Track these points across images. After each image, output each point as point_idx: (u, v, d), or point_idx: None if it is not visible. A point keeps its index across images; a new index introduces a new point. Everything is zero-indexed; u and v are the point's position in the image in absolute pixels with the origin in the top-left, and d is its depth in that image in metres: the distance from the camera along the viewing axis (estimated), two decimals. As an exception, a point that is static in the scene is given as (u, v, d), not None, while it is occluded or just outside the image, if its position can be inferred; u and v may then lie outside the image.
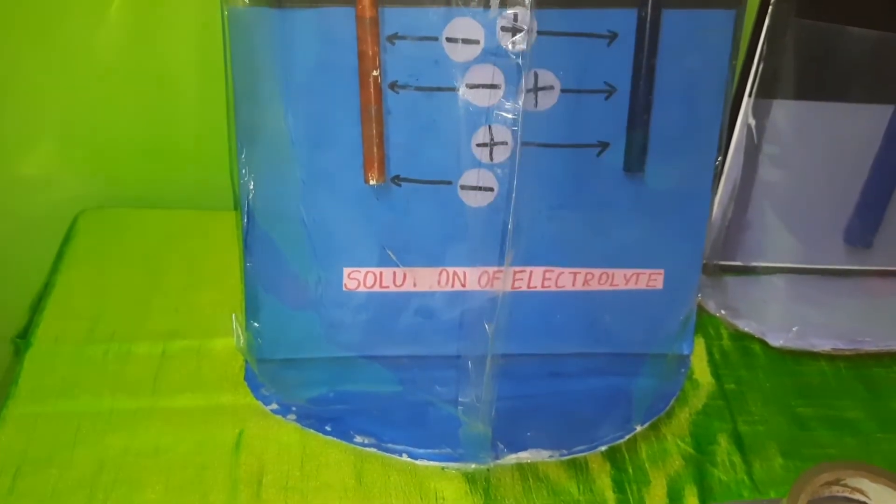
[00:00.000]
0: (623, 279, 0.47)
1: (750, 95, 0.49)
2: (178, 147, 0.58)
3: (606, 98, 0.43)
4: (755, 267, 0.55)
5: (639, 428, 0.46)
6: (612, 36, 0.41)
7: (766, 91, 0.48)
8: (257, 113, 0.42)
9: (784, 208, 0.53)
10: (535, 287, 0.47)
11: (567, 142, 0.43)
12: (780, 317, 0.52)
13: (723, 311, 0.53)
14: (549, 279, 0.47)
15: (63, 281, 0.52)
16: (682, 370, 0.50)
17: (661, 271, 0.47)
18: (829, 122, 0.50)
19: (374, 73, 0.41)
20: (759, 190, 0.52)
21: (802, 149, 0.51)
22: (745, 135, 0.50)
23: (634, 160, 0.44)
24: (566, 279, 0.47)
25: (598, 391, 0.47)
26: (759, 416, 0.48)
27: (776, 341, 0.51)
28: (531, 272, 0.46)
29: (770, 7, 0.46)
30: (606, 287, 0.47)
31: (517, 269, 0.46)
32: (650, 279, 0.47)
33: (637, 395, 0.47)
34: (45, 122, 0.57)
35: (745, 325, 0.52)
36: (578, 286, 0.47)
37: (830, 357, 0.51)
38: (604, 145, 0.44)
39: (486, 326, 0.43)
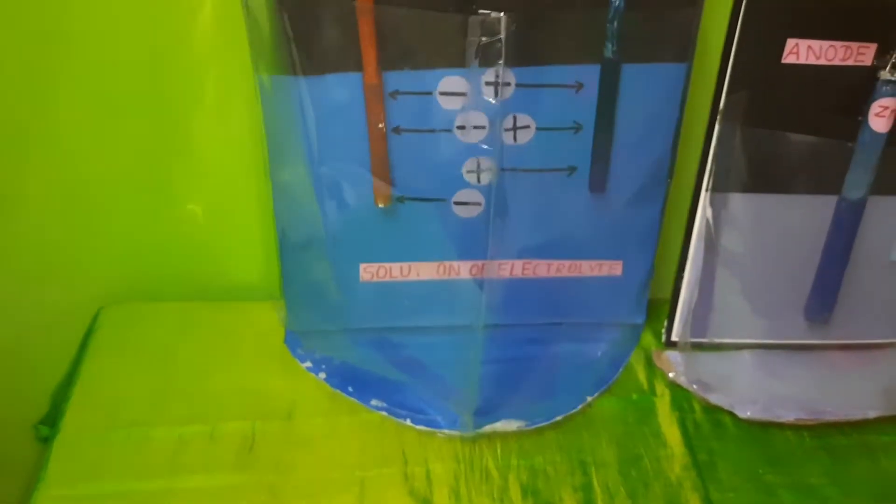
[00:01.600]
0: (588, 268, 0.56)
1: (707, 190, 0.53)
2: (194, 243, 0.61)
3: (574, 133, 0.51)
4: (723, 343, 0.58)
5: (589, 399, 0.55)
6: (579, 86, 0.50)
7: (721, 185, 0.53)
8: (287, 158, 0.51)
9: (746, 289, 0.56)
10: (517, 275, 0.56)
11: (541, 167, 0.52)
12: (747, 390, 0.55)
13: (695, 386, 0.56)
14: (528, 269, 0.56)
15: (86, 372, 0.55)
16: (634, 340, 0.59)
17: (620, 262, 0.56)
18: (781, 210, 0.53)
19: (380, 125, 0.49)
20: (722, 274, 0.56)
21: (758, 235, 0.54)
22: (705, 225, 0.55)
23: (598, 182, 0.53)
24: (542, 269, 0.56)
25: (565, 356, 0.57)
26: (730, 484, 0.51)
27: (744, 413, 0.54)
28: (513, 264, 0.55)
29: (719, 116, 0.51)
30: (575, 274, 0.56)
31: (502, 262, 0.55)
32: (611, 268, 0.56)
33: (596, 361, 0.57)
34: (68, 222, 0.60)
35: (715, 399, 0.55)
36: (552, 274, 0.56)
37: (795, 427, 0.54)
38: (572, 169, 0.52)
39: (476, 304, 0.54)
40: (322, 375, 0.56)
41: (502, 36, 0.46)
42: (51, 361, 0.60)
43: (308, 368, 0.56)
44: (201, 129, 0.57)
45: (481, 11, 0.46)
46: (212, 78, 0.55)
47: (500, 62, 0.47)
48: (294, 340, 0.58)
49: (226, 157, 0.57)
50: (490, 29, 0.46)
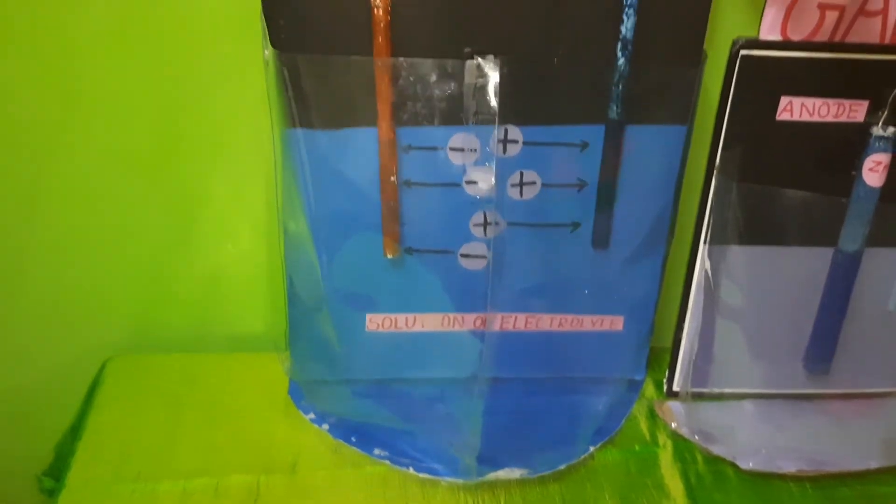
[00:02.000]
0: (590, 323, 0.57)
1: (705, 242, 0.54)
2: (199, 294, 0.62)
3: (578, 190, 0.53)
4: (724, 393, 0.59)
5: (592, 448, 0.55)
6: (584, 145, 0.51)
7: (719, 238, 0.54)
8: (299, 210, 0.52)
9: (746, 340, 0.57)
10: (520, 328, 0.57)
11: (546, 222, 0.53)
12: (749, 441, 0.56)
13: (697, 437, 0.56)
14: (531, 322, 0.57)
15: (92, 424, 0.55)
16: (634, 394, 0.59)
17: (622, 317, 0.57)
18: (778, 262, 0.54)
19: (392, 177, 0.51)
20: (722, 324, 0.56)
21: (757, 286, 0.55)
22: (704, 277, 0.55)
23: (601, 239, 0.54)
24: (545, 322, 0.57)
25: (567, 408, 0.58)
26: (733, 535, 0.51)
27: (746, 464, 0.54)
28: (516, 317, 0.56)
29: (715, 171, 0.52)
30: (577, 329, 0.57)
31: (506, 314, 0.56)
32: (612, 323, 0.57)
33: (598, 413, 0.57)
34: (75, 274, 0.61)
35: (717, 450, 0.55)
36: (554, 328, 0.57)
37: (797, 478, 0.54)
38: (576, 225, 0.54)
39: (479, 356, 0.55)
40: (325, 427, 0.56)
41: (496, 79, 0.48)
42: (56, 412, 0.60)
43: (312, 420, 0.57)
44: (212, 184, 0.58)
45: (476, 56, 0.48)
46: (226, 133, 0.56)
47: (495, 105, 0.48)
48: (298, 391, 0.58)
49: (235, 211, 0.59)
50: (484, 71, 0.48)
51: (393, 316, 0.56)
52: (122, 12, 0.51)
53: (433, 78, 0.48)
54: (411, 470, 0.53)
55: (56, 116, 0.55)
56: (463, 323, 0.56)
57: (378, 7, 0.46)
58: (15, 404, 0.64)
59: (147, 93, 0.54)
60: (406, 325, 0.56)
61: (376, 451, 0.54)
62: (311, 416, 0.57)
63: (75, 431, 0.55)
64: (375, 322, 0.56)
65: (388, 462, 0.54)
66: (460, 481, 0.53)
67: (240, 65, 0.53)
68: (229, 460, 0.53)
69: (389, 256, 0.53)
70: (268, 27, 0.47)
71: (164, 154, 0.56)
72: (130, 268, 0.61)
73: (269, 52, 0.48)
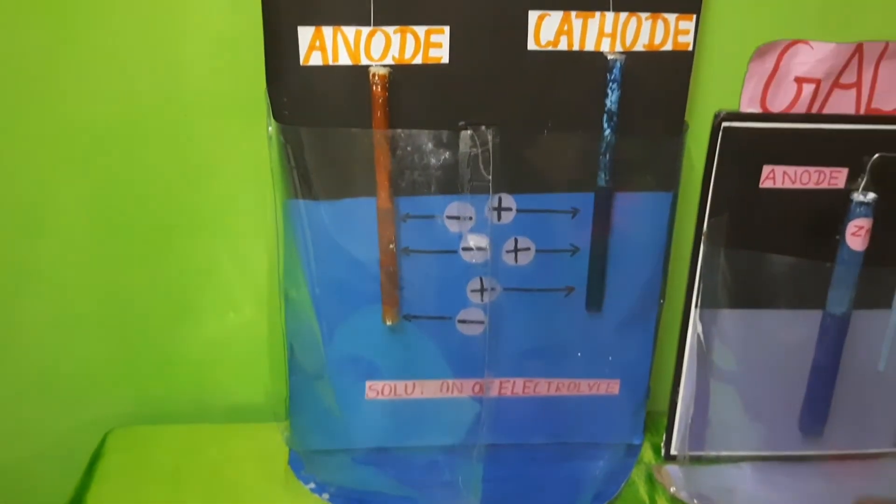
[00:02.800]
0: (587, 387, 0.58)
1: (696, 306, 0.56)
2: (200, 365, 0.63)
3: (571, 255, 0.54)
4: (721, 456, 0.59)
5: None
6: (575, 211, 0.53)
7: (710, 302, 0.55)
8: (300, 279, 0.53)
9: (741, 402, 0.58)
10: (518, 394, 0.57)
11: (541, 286, 0.55)
12: (746, 503, 0.57)
13: (695, 501, 0.56)
14: (529, 387, 0.57)
15: (93, 498, 0.55)
16: (633, 458, 0.60)
17: (618, 380, 0.58)
18: (768, 325, 0.56)
19: (391, 245, 0.52)
20: (716, 387, 0.57)
21: (749, 349, 0.57)
22: (696, 340, 0.57)
23: (594, 301, 0.55)
24: (542, 387, 0.57)
25: (566, 474, 0.58)
26: None
27: None
28: (514, 382, 0.57)
29: (703, 238, 0.54)
30: (574, 393, 0.58)
31: (504, 380, 0.57)
32: (608, 387, 0.58)
33: (596, 478, 0.57)
34: (74, 346, 0.61)
35: (716, 513, 0.56)
36: (552, 392, 0.57)
37: None
38: (570, 289, 0.55)
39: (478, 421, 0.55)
40: (326, 496, 0.56)
41: (490, 146, 0.50)
42: (57, 485, 0.59)
43: (312, 489, 0.57)
44: (215, 255, 0.59)
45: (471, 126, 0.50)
46: (230, 204, 0.58)
47: (489, 173, 0.51)
48: (298, 461, 0.58)
49: (238, 281, 0.60)
50: (478, 141, 0.50)
51: (392, 383, 0.57)
52: (130, 88, 0.53)
53: (429, 148, 0.50)
54: None
55: (60, 188, 0.56)
56: (462, 389, 0.57)
57: (377, 84, 0.49)
58: (15, 478, 0.64)
59: (153, 167, 0.56)
60: (405, 391, 0.57)
61: None
62: (312, 485, 0.57)
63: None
64: (375, 389, 0.56)
65: (389, 530, 0.54)
66: (461, 547, 0.53)
67: (243, 139, 0.55)
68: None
69: (389, 324, 0.54)
70: (271, 103, 0.49)
71: (168, 226, 0.58)
72: (132, 339, 0.61)
73: (272, 126, 0.50)
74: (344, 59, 0.49)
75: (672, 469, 0.59)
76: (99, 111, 0.54)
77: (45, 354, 0.61)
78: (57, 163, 0.55)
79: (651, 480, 0.59)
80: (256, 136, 0.52)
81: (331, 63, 0.49)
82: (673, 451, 0.60)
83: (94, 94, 0.53)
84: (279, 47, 0.48)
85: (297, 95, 0.49)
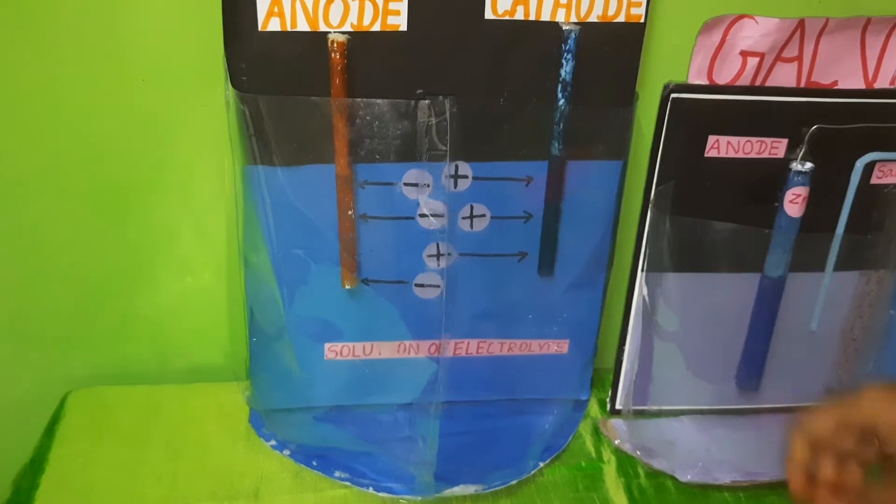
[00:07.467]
0: (538, 347, 0.60)
1: (643, 270, 0.58)
2: (161, 327, 0.63)
3: (525, 222, 0.56)
4: (663, 410, 0.62)
5: (541, 465, 0.58)
6: (529, 179, 0.55)
7: (655, 266, 0.58)
8: (259, 243, 0.54)
9: (683, 360, 0.60)
10: (472, 354, 0.60)
11: (495, 252, 0.56)
12: (687, 455, 0.59)
13: (639, 452, 0.60)
14: (482, 348, 0.60)
15: (55, 458, 0.56)
16: (580, 413, 0.63)
17: (567, 341, 0.61)
18: (709, 287, 0.58)
19: (349, 211, 0.53)
20: (660, 346, 0.60)
21: (690, 310, 0.59)
22: (642, 302, 0.59)
23: (546, 266, 0.57)
24: (495, 347, 0.60)
25: (517, 428, 0.61)
26: (673, 543, 0.55)
27: (684, 477, 0.57)
28: (469, 343, 0.59)
29: (650, 205, 0.56)
30: (525, 353, 0.60)
31: (458, 340, 0.59)
32: (558, 347, 0.61)
33: (546, 432, 0.60)
34: (34, 308, 0.61)
35: (657, 464, 0.59)
36: (504, 352, 0.60)
37: (732, 488, 0.57)
38: (523, 254, 0.57)
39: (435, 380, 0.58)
40: (287, 453, 0.58)
41: (447, 115, 0.51)
42: (15, 447, 0.59)
43: (273, 447, 0.58)
44: (175, 221, 0.59)
45: (428, 96, 0.51)
46: (188, 170, 0.58)
47: (446, 144, 0.52)
48: (258, 420, 0.60)
49: (197, 246, 0.60)
50: (435, 110, 0.51)
51: (351, 344, 0.58)
52: (87, 55, 0.53)
53: (388, 117, 0.51)
54: (371, 490, 0.56)
55: (20, 151, 0.56)
56: (419, 350, 0.59)
57: (335, 51, 0.49)
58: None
59: (111, 130, 0.56)
60: (364, 352, 0.58)
61: (337, 474, 0.56)
62: (272, 443, 0.58)
63: (36, 465, 0.56)
64: (334, 350, 0.58)
65: (348, 484, 0.56)
66: (418, 498, 0.55)
67: (202, 104, 0.55)
68: (193, 490, 0.55)
69: (347, 287, 0.55)
70: (229, 69, 0.50)
71: (126, 189, 0.58)
72: (91, 302, 0.62)
73: (230, 92, 0.50)
74: (302, 26, 0.49)
75: (617, 423, 0.62)
76: (57, 74, 0.53)
77: (1, 316, 0.61)
78: (14, 127, 0.55)
79: (597, 433, 0.62)
80: (215, 101, 0.52)
81: (289, 29, 0.49)
82: (618, 406, 0.63)
83: (51, 58, 0.53)
84: (237, 12, 0.48)
85: (255, 61, 0.50)
